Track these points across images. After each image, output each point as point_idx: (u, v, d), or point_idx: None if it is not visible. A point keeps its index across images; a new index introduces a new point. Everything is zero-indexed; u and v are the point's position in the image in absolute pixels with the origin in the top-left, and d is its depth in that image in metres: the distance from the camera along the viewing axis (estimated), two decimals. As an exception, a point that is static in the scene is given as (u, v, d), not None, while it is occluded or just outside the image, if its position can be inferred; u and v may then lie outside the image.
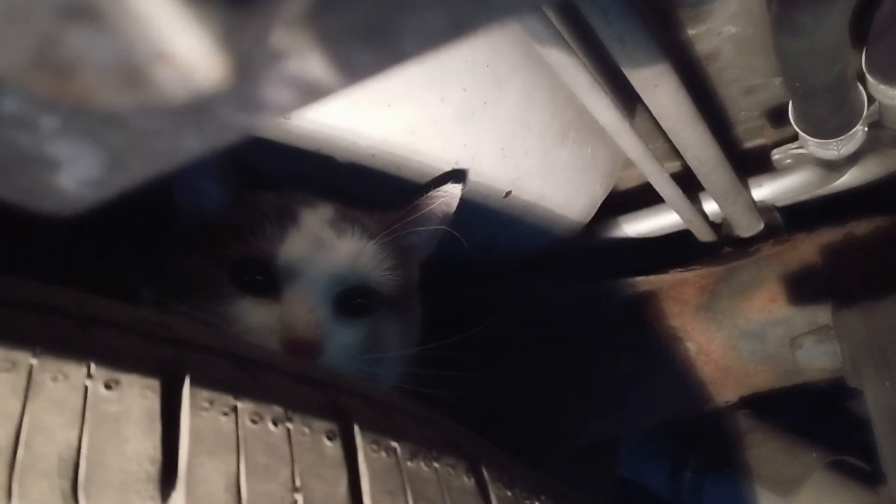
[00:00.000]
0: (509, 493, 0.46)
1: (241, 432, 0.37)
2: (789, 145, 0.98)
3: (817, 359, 0.87)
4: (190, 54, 0.17)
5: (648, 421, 1.06)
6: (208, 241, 0.71)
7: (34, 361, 0.34)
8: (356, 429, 0.41)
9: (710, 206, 1.03)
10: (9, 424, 0.32)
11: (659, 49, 0.68)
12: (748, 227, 1.02)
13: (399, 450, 0.42)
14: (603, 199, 1.00)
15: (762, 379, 0.95)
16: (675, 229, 1.07)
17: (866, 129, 0.84)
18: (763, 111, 0.99)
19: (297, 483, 0.37)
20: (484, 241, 0.90)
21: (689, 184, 0.95)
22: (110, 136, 0.20)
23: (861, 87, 0.79)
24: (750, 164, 1.03)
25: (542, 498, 0.49)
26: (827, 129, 0.82)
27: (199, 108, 0.19)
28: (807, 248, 0.93)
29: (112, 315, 0.40)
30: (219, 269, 0.69)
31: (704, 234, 1.05)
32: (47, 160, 0.21)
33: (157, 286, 0.73)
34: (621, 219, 1.10)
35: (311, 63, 0.20)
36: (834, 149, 0.85)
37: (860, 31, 0.74)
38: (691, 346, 0.97)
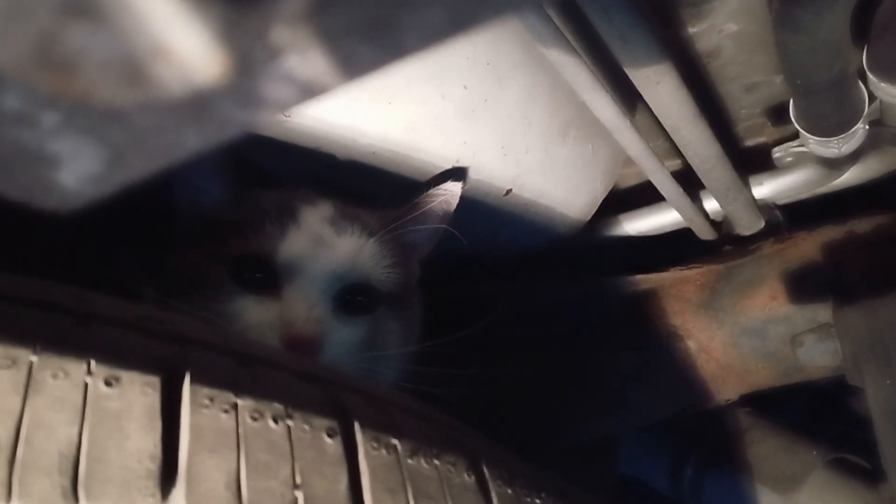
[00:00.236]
0: (510, 491, 0.46)
1: (241, 429, 0.37)
2: (790, 143, 0.98)
3: (818, 356, 0.87)
4: (190, 50, 0.17)
5: (649, 419, 1.06)
6: (208, 238, 0.71)
7: (34, 358, 0.34)
8: (357, 426, 0.41)
9: (711, 205, 1.03)
10: (9, 421, 0.32)
11: (660, 47, 0.68)
12: (749, 225, 1.02)
13: (399, 447, 0.42)
14: (604, 196, 1.00)
15: (763, 377, 0.95)
16: (676, 227, 1.07)
17: (867, 126, 0.84)
18: (764, 109, 0.99)
19: (298, 480, 0.37)
20: (484, 238, 0.90)
21: (689, 182, 0.95)
22: (111, 133, 0.20)
23: (862, 85, 0.79)
24: (751, 162, 1.03)
25: (543, 495, 0.49)
26: (828, 127, 0.82)
27: (200, 104, 0.19)
28: (807, 246, 0.93)
29: (112, 312, 0.40)
30: (219, 266, 0.69)
31: (705, 233, 1.05)
32: (48, 156, 0.21)
33: (157, 284, 0.73)
34: (622, 217, 1.09)
35: (312, 59, 0.20)
36: (835, 147, 0.85)
37: (861, 28, 0.74)
38: (692, 344, 0.97)
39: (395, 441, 0.42)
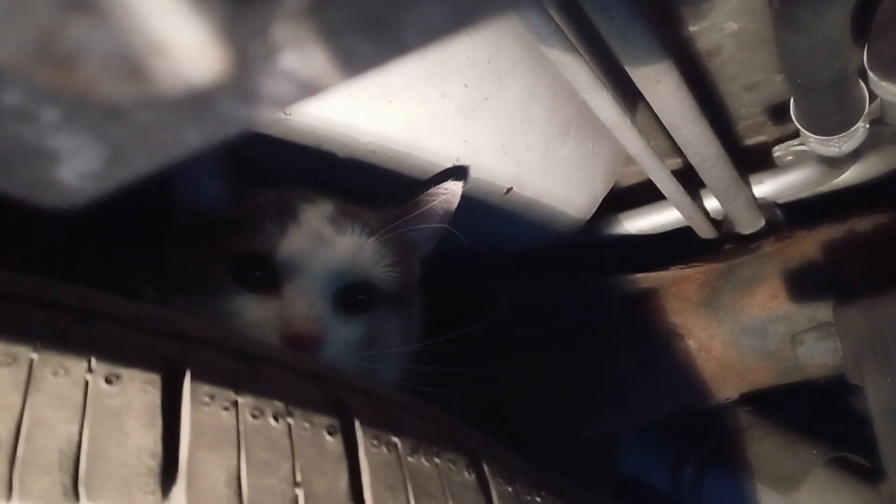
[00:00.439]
0: (510, 489, 0.46)
1: (241, 427, 0.37)
2: (790, 142, 0.98)
3: (818, 355, 0.87)
4: (190, 47, 0.17)
5: (649, 417, 1.06)
6: (208, 237, 0.71)
7: (35, 356, 0.34)
8: (357, 424, 0.41)
9: (711, 203, 1.03)
10: (9, 419, 0.32)
11: (660, 45, 0.68)
12: (749, 223, 1.02)
13: (400, 445, 0.42)
14: (604, 195, 1.00)
15: (763, 375, 0.95)
16: (676, 226, 1.07)
17: (867, 125, 0.84)
18: (764, 108, 0.99)
19: (298, 478, 0.37)
20: (484, 237, 0.90)
21: (690, 180, 0.95)
22: (111, 129, 0.20)
23: (862, 84, 0.79)
24: (751, 160, 1.03)
25: (543, 493, 0.49)
26: (828, 126, 0.82)
27: (199, 100, 0.19)
28: (808, 245, 0.93)
29: (113, 309, 0.40)
30: (219, 265, 0.69)
31: (705, 231, 1.05)
32: (48, 153, 0.21)
33: (157, 282, 0.73)
34: (622, 215, 1.09)
35: (312, 56, 0.20)
36: (835, 145, 0.85)
37: (862, 27, 0.74)
38: (692, 343, 0.97)
39: (395, 439, 0.42)
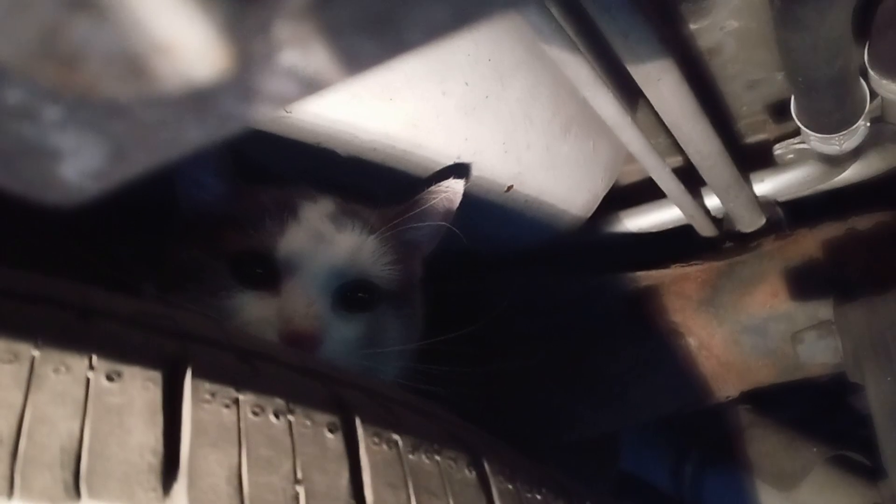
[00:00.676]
0: (511, 487, 0.46)
1: (242, 424, 0.37)
2: (791, 140, 0.98)
3: (818, 354, 0.87)
4: (192, 45, 0.17)
5: (649, 415, 1.06)
6: (209, 234, 0.71)
7: (36, 353, 0.34)
8: (358, 421, 0.41)
9: (712, 201, 1.03)
10: (11, 416, 0.32)
11: (661, 43, 0.68)
12: (750, 222, 1.02)
13: (401, 443, 0.42)
14: (605, 193, 1.00)
15: (763, 374, 0.95)
16: (677, 224, 1.07)
17: (868, 124, 0.84)
18: (765, 106, 0.99)
19: (299, 475, 0.37)
20: (485, 235, 0.90)
21: (690, 179, 0.95)
22: (113, 127, 0.20)
23: (863, 82, 0.79)
24: (752, 159, 1.03)
25: (544, 491, 0.49)
26: (829, 124, 0.82)
27: (201, 98, 0.19)
28: (808, 244, 0.93)
29: (114, 307, 0.40)
30: (219, 262, 0.70)
31: (706, 229, 1.05)
32: (50, 151, 0.21)
33: (157, 280, 0.73)
34: (623, 214, 1.09)
35: (314, 54, 0.20)
36: (836, 144, 0.85)
37: (863, 25, 0.74)
38: (692, 341, 0.97)
39: (396, 436, 0.42)
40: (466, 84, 0.69)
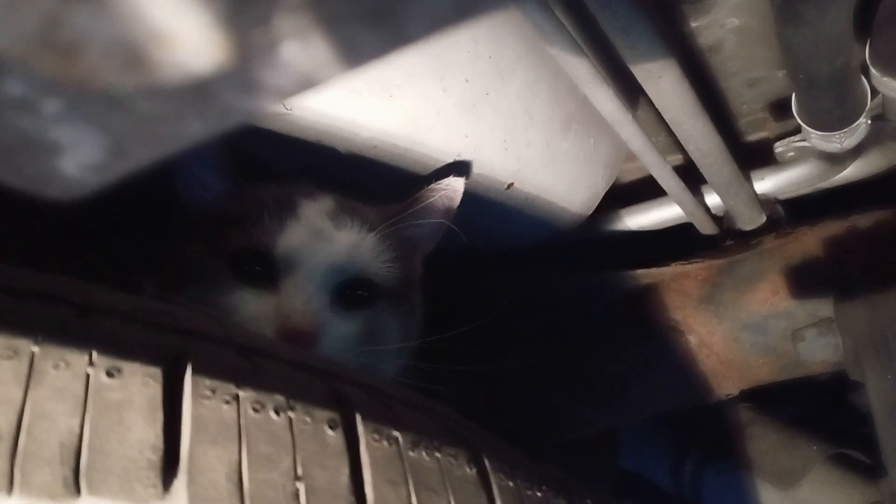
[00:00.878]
0: (511, 483, 0.46)
1: (242, 421, 0.37)
2: (792, 138, 0.98)
3: (819, 351, 0.87)
4: (191, 36, 0.17)
5: (649, 413, 1.06)
6: (208, 232, 0.71)
7: (36, 349, 0.34)
8: (358, 418, 0.41)
9: (713, 199, 1.03)
10: (10, 412, 0.32)
11: (662, 41, 0.68)
12: (750, 219, 1.02)
13: (401, 439, 0.42)
14: (605, 191, 1.00)
15: (764, 372, 0.95)
16: (677, 222, 1.07)
17: (869, 121, 0.84)
18: (766, 103, 0.99)
19: (299, 472, 0.37)
20: (485, 233, 0.90)
21: (691, 176, 0.95)
22: (113, 120, 0.20)
23: (864, 80, 0.79)
24: (752, 156, 1.03)
25: (544, 488, 0.49)
26: (830, 122, 0.82)
27: (201, 91, 0.19)
28: (809, 241, 0.93)
29: (114, 303, 0.40)
30: (218, 259, 0.69)
31: (706, 227, 1.05)
32: (50, 144, 0.21)
33: (156, 278, 0.73)
34: (623, 211, 1.09)
35: (314, 46, 0.20)
36: (837, 141, 0.85)
37: (864, 22, 0.73)
38: (693, 339, 0.97)
39: (396, 433, 0.42)
40: (467, 81, 0.69)
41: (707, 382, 0.97)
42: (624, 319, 1.01)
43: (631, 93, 0.84)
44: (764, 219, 1.02)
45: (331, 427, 0.39)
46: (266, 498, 0.35)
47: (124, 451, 0.33)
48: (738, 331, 0.95)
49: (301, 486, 0.36)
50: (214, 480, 0.34)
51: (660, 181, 0.91)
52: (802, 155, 0.99)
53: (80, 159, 0.21)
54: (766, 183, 1.02)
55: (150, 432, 0.34)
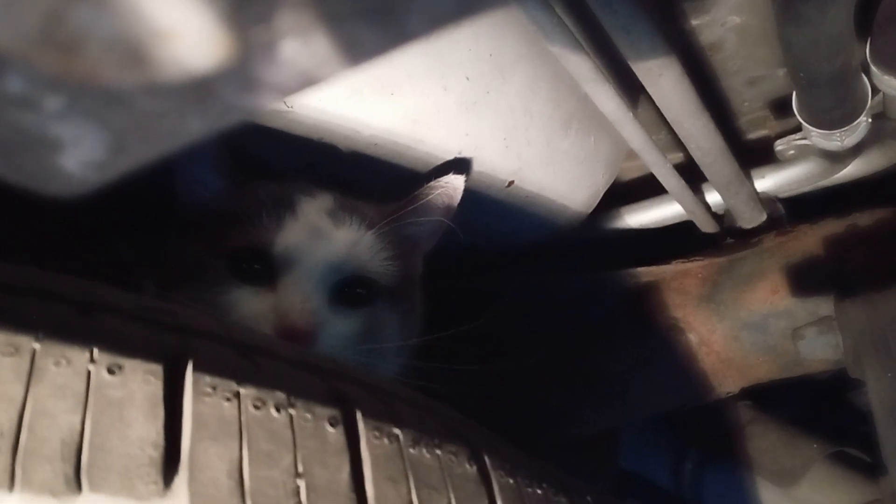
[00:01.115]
0: (511, 481, 0.46)
1: (243, 418, 0.37)
2: (792, 136, 0.98)
3: (819, 350, 0.87)
4: (192, 33, 0.17)
5: (649, 411, 1.06)
6: (208, 230, 0.71)
7: (37, 346, 0.34)
8: (358, 415, 0.41)
9: (713, 197, 1.03)
10: (12, 409, 0.32)
11: (663, 39, 0.68)
12: (751, 218, 1.02)
13: (401, 437, 0.42)
14: (605, 189, 1.00)
15: (764, 370, 0.95)
16: (678, 220, 1.07)
17: (870, 120, 0.84)
18: (766, 102, 0.99)
19: (300, 469, 0.37)
20: (485, 231, 0.90)
21: (691, 175, 0.95)
22: (114, 117, 0.20)
23: (865, 78, 0.79)
24: (753, 155, 1.03)
25: (544, 486, 0.49)
26: (830, 120, 0.82)
27: (202, 88, 0.19)
28: (809, 240, 0.93)
29: (114, 301, 0.40)
30: (217, 258, 0.69)
31: (707, 225, 1.05)
32: (51, 141, 0.21)
33: (156, 276, 0.73)
34: (624, 209, 1.09)
35: (315, 44, 0.20)
36: (837, 140, 0.85)
37: (864, 21, 0.73)
38: (693, 337, 0.97)
39: (396, 431, 0.42)
40: (467, 79, 0.69)
41: (707, 381, 0.97)
42: (624, 318, 1.01)
43: (631, 91, 0.84)
44: (764, 217, 1.02)
45: (331, 424, 0.39)
46: (267, 495, 0.35)
47: (125, 448, 0.33)
48: (738, 329, 0.95)
49: (301, 484, 0.36)
50: (215, 477, 0.34)
51: (660, 179, 0.91)
52: (803, 153, 0.99)
53: (80, 156, 0.21)
54: (767, 181, 1.02)
55: (150, 429, 0.34)
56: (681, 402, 1.01)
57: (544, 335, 1.04)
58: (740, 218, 1.02)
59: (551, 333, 1.04)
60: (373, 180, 0.75)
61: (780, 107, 0.97)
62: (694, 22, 0.82)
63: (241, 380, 0.38)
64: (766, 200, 1.02)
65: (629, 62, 0.70)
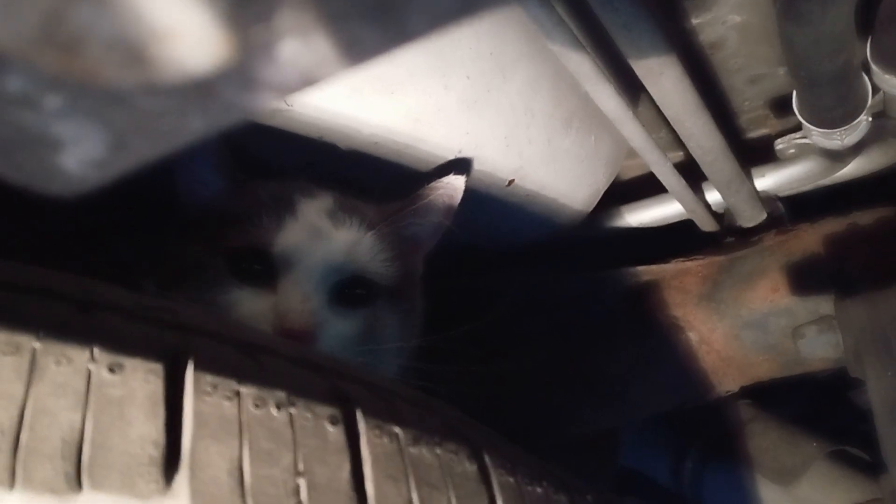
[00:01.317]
0: (511, 480, 0.46)
1: (244, 417, 0.37)
2: (793, 135, 0.98)
3: (819, 349, 0.87)
4: (193, 32, 0.17)
5: (650, 410, 1.06)
6: (208, 230, 0.71)
7: (37, 345, 0.34)
8: (359, 414, 0.41)
9: (713, 196, 1.03)
10: (12, 407, 0.32)
11: (664, 37, 0.68)
12: (751, 216, 1.02)
13: (401, 435, 0.42)
14: (606, 188, 1.00)
15: (764, 369, 0.95)
16: (678, 219, 1.07)
17: (870, 119, 0.84)
18: (767, 101, 0.98)
19: (300, 468, 0.37)
20: (486, 230, 0.90)
21: (692, 173, 0.95)
22: (114, 116, 0.20)
23: (866, 77, 0.78)
24: (753, 153, 1.03)
25: (545, 484, 0.49)
26: (831, 119, 0.82)
27: (202, 87, 0.19)
28: (810, 239, 0.93)
29: (115, 300, 0.40)
30: (217, 258, 0.69)
31: (707, 224, 1.05)
32: (51, 140, 0.21)
33: (156, 276, 0.73)
34: (624, 208, 1.09)
35: (315, 43, 0.20)
36: (838, 139, 0.85)
37: (865, 20, 0.73)
38: (693, 336, 0.97)
39: (397, 429, 0.42)
40: (468, 78, 0.69)
41: (707, 380, 0.97)
42: (624, 317, 1.01)
43: (632, 90, 0.84)
44: (765, 216, 1.02)
45: (332, 423, 0.39)
46: (267, 494, 0.35)
47: (126, 446, 0.33)
48: (738, 328, 0.95)
49: (302, 482, 0.36)
50: (216, 476, 0.34)
51: (661, 178, 0.91)
52: (803, 152, 0.99)
53: (81, 155, 0.21)
54: (767, 180, 1.02)
55: (151, 428, 0.34)
56: (681, 401, 1.01)
57: (545, 335, 1.04)
58: (740, 217, 1.02)
59: (552, 333, 1.04)
60: (373, 179, 0.75)
61: (781, 105, 0.97)
62: (695, 20, 0.82)
63: (242, 378, 0.38)
64: (767, 199, 1.02)
65: (630, 61, 0.70)
